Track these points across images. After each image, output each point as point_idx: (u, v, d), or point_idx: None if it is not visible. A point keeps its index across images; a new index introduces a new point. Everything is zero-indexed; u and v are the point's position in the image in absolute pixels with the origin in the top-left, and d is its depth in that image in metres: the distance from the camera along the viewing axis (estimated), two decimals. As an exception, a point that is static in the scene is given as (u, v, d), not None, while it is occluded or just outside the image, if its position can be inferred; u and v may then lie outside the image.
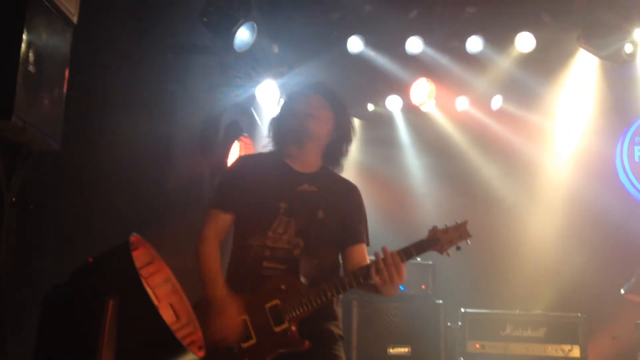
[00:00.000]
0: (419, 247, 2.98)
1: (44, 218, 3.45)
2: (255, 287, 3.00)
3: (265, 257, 3.03)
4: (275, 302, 2.96)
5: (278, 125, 3.27)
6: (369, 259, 3.15)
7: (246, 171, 3.22)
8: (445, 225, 3.01)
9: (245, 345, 2.94)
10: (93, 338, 2.20)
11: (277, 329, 2.94)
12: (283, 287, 2.97)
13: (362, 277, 2.93)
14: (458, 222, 3.03)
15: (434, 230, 3.01)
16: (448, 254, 3.00)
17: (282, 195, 3.10)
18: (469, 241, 3.00)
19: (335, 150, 3.25)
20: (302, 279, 3.00)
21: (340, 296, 3.07)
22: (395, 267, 2.88)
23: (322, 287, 2.94)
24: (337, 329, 3.13)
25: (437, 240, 2.98)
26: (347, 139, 3.26)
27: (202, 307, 2.93)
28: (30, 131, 3.11)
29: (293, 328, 2.94)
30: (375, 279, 2.89)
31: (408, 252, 2.94)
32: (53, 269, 3.36)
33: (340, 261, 3.22)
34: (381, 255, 2.90)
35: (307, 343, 2.94)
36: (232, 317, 2.93)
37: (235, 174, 3.27)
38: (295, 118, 3.17)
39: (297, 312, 2.93)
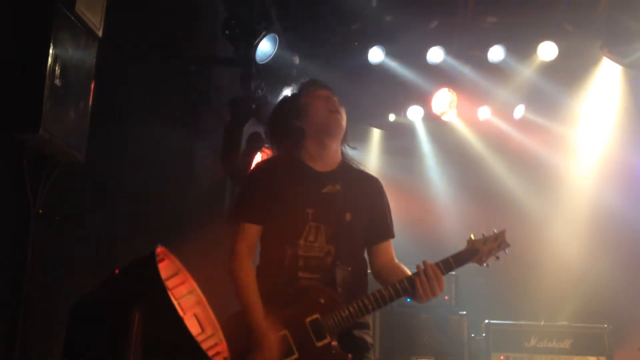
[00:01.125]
0: (459, 259, 2.97)
1: (70, 229, 3.48)
2: (293, 299, 2.96)
3: (299, 267, 2.99)
4: (316, 316, 2.92)
5: (287, 127, 3.17)
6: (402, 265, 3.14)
7: (268, 178, 3.14)
8: (483, 235, 2.99)
9: None
10: (119, 349, 2.20)
11: (319, 344, 2.90)
12: (322, 300, 2.93)
13: (403, 291, 2.93)
14: (496, 231, 3.01)
15: (471, 241, 2.99)
16: (487, 265, 2.99)
17: (308, 200, 3.05)
18: (507, 251, 2.97)
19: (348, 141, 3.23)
20: (339, 289, 2.97)
21: None
22: (437, 279, 2.90)
23: (362, 301, 2.92)
24: (369, 338, 3.12)
25: (477, 251, 2.97)
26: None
27: (238, 322, 2.93)
28: (57, 143, 3.15)
29: (334, 342, 2.92)
30: (418, 292, 2.90)
31: (448, 264, 2.95)
32: (79, 280, 3.39)
33: (366, 257, 3.20)
34: (422, 268, 2.91)
35: (349, 356, 2.92)
36: (272, 346, 2.88)
37: (258, 182, 3.17)
38: (323, 115, 3.10)
39: (339, 327, 2.91)
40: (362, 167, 3.28)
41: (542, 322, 6.00)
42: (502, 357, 5.89)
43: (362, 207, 3.13)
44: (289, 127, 3.17)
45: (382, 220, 3.20)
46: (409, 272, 3.04)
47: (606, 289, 6.58)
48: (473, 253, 2.97)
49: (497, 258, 2.99)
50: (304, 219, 3.03)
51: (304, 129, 3.15)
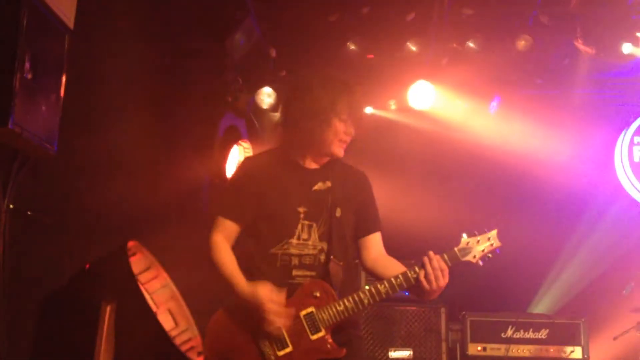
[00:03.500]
0: (453, 257, 2.99)
1: (41, 224, 3.43)
2: (287, 294, 2.93)
3: (294, 265, 2.98)
4: (310, 309, 2.92)
5: (296, 127, 3.05)
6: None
7: (257, 176, 3.08)
8: (475, 233, 3.04)
9: (281, 353, 2.89)
10: (90, 342, 2.18)
11: (314, 337, 2.91)
12: (317, 294, 2.94)
13: (399, 286, 2.94)
14: (487, 231, 3.06)
15: (465, 239, 3.03)
16: (480, 264, 3.02)
17: (300, 199, 3.03)
18: (498, 250, 3.03)
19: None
20: (333, 283, 2.97)
21: None
22: (442, 271, 2.92)
23: (358, 295, 2.93)
24: (360, 335, 3.14)
25: (470, 250, 3.01)
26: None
27: (227, 316, 2.91)
28: (27, 137, 3.11)
29: (329, 336, 2.92)
30: (423, 284, 2.91)
31: (453, 256, 2.97)
32: (51, 274, 3.34)
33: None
34: (428, 261, 2.92)
35: (344, 351, 2.92)
36: (276, 303, 2.83)
37: (246, 179, 3.10)
38: (332, 141, 3.02)
39: (334, 320, 2.92)
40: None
41: (519, 313, 6.04)
42: (479, 348, 5.92)
43: (351, 201, 3.12)
44: (296, 120, 3.06)
45: (370, 213, 3.20)
46: (404, 267, 3.05)
47: (582, 280, 6.65)
48: (466, 251, 3.01)
49: (490, 257, 3.04)
50: (295, 217, 3.02)
51: (309, 138, 3.05)
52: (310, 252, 3.01)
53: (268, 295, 2.84)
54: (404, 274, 2.96)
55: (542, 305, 6.70)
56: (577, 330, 5.87)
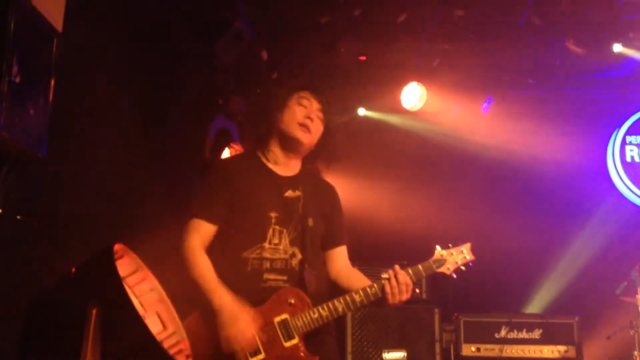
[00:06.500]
0: (427, 268, 3.07)
1: (30, 228, 3.42)
2: (260, 299, 2.95)
3: (265, 269, 2.99)
4: (284, 316, 2.93)
5: (261, 123, 3.19)
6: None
7: (230, 178, 3.12)
8: (450, 245, 3.11)
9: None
10: (77, 347, 2.18)
11: (287, 344, 2.90)
12: (292, 301, 2.95)
13: (373, 296, 2.99)
14: (461, 244, 3.12)
15: (439, 251, 3.09)
16: (454, 276, 3.08)
17: (271, 204, 3.06)
18: (471, 264, 3.07)
19: (318, 155, 3.25)
20: (308, 291, 2.99)
21: None
22: (406, 286, 2.98)
23: (333, 303, 2.96)
24: (332, 337, 3.13)
25: (444, 262, 3.07)
26: (331, 149, 3.26)
27: (203, 321, 2.90)
28: (15, 141, 3.09)
29: (302, 343, 2.92)
30: (387, 297, 2.97)
31: (417, 272, 3.04)
32: (39, 279, 3.33)
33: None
34: (394, 273, 2.99)
35: (316, 359, 2.93)
36: (247, 324, 2.85)
37: (219, 181, 3.14)
38: (292, 125, 3.12)
39: (308, 328, 2.92)
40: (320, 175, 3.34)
41: (512, 314, 6.06)
42: (473, 348, 5.93)
43: (321, 213, 3.18)
44: (260, 120, 3.20)
45: (338, 226, 3.27)
46: (366, 278, 3.13)
47: (575, 280, 6.67)
48: (440, 263, 3.07)
49: (463, 270, 3.10)
50: (267, 222, 3.04)
51: (273, 130, 3.16)
52: (282, 256, 3.02)
53: (247, 318, 2.86)
54: (379, 284, 3.00)
55: (535, 305, 6.72)
56: (570, 330, 5.89)
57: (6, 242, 3.21)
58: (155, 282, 2.64)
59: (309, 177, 3.23)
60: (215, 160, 3.84)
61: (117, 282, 2.26)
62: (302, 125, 3.12)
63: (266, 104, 3.23)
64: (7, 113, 3.01)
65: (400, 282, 2.96)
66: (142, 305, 2.54)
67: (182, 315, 2.77)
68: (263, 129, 3.19)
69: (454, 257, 3.07)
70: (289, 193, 3.13)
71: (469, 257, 3.10)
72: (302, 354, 2.90)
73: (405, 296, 2.98)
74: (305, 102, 3.16)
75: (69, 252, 3.53)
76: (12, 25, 3.05)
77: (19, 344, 2.32)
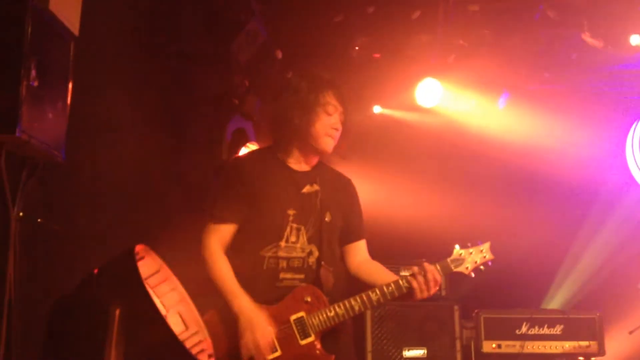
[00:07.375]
0: (446, 267, 3.05)
1: (51, 231, 3.45)
2: (276, 298, 2.95)
3: (281, 268, 2.98)
4: (301, 314, 2.92)
5: (283, 126, 3.10)
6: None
7: (246, 176, 3.09)
8: (469, 245, 3.08)
9: (270, 357, 2.88)
10: (100, 348, 2.19)
11: (303, 342, 2.90)
12: (309, 299, 2.95)
13: (390, 295, 2.97)
14: (481, 243, 3.09)
15: (457, 251, 3.07)
16: (472, 276, 3.07)
17: (289, 201, 3.04)
18: (490, 263, 3.05)
19: (335, 150, 3.20)
20: (324, 289, 2.99)
21: None
22: (434, 281, 2.97)
23: (350, 302, 2.94)
24: (349, 336, 3.13)
25: (462, 261, 3.05)
26: (346, 144, 3.22)
27: (219, 320, 2.91)
28: (35, 145, 3.12)
29: (318, 341, 2.92)
30: (415, 292, 2.96)
31: (445, 267, 3.03)
32: (62, 281, 3.35)
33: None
34: (423, 271, 2.97)
35: (332, 357, 2.92)
36: (265, 331, 2.86)
37: (235, 180, 3.11)
38: (319, 133, 3.06)
39: (324, 326, 2.92)
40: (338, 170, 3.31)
41: (533, 309, 6.02)
42: (493, 345, 5.90)
43: (339, 206, 3.15)
44: (281, 123, 3.11)
45: (357, 220, 3.23)
46: (391, 272, 3.10)
47: (596, 274, 6.61)
48: (459, 262, 3.05)
49: (482, 269, 3.08)
50: (284, 220, 3.02)
51: (296, 134, 3.08)
52: (299, 254, 3.01)
53: (265, 323, 2.87)
54: (396, 283, 2.98)
55: (556, 301, 6.67)
56: (592, 325, 5.83)
57: (27, 245, 3.23)
58: (177, 282, 2.65)
59: (325, 171, 3.21)
60: (230, 159, 3.81)
61: (139, 283, 2.27)
62: (329, 135, 3.09)
63: (288, 105, 3.08)
64: (27, 117, 3.03)
65: (429, 280, 2.95)
66: (163, 306, 2.55)
67: (201, 313, 2.77)
68: (285, 133, 3.12)
69: (473, 257, 3.05)
70: (307, 188, 3.10)
71: (488, 256, 3.08)
72: (318, 352, 2.90)
73: (433, 291, 2.97)
74: (331, 109, 3.07)
75: (90, 254, 3.56)
76: (30, 30, 3.07)
77: (43, 345, 2.34)
